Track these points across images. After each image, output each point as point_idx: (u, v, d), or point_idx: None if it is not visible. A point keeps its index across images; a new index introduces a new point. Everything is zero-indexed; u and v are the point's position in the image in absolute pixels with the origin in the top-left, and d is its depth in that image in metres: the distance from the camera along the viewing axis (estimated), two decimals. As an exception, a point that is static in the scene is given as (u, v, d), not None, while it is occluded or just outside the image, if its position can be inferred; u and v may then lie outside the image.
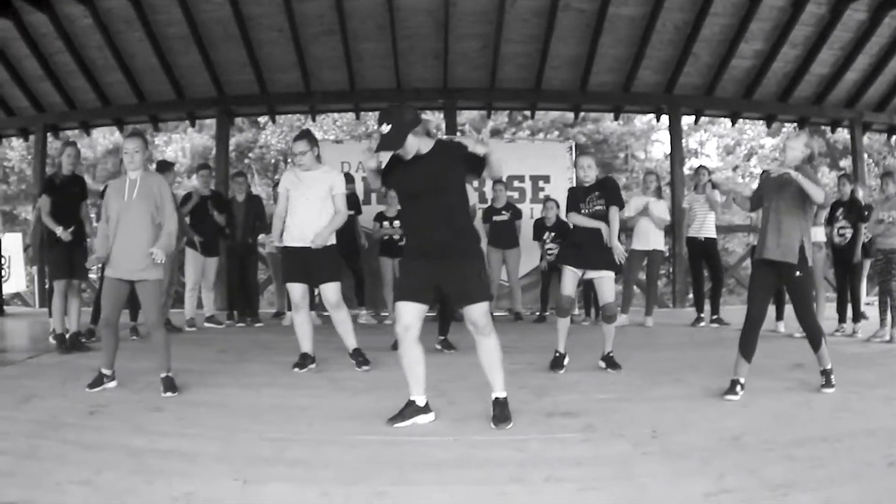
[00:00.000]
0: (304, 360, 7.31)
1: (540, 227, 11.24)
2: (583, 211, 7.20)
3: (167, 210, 6.37)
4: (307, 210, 7.11)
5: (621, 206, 7.38)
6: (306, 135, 7.38)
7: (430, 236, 5.08)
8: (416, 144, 5.04)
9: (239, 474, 4.06)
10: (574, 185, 7.44)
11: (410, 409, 5.20)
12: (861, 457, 4.29)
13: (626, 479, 3.99)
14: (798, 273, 5.95)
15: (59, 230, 8.16)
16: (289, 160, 7.29)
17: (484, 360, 5.19)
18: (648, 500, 3.70)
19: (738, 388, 5.88)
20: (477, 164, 5.11)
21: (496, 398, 5.19)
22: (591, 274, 7.26)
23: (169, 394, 6.09)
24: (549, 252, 10.82)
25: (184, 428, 5.08)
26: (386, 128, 4.93)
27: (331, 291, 7.19)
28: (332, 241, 7.21)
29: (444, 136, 5.53)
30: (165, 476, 4.01)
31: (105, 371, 6.32)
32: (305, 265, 7.14)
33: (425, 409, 5.24)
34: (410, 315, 5.13)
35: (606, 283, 7.23)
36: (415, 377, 5.23)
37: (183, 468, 4.17)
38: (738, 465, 4.16)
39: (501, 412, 5.13)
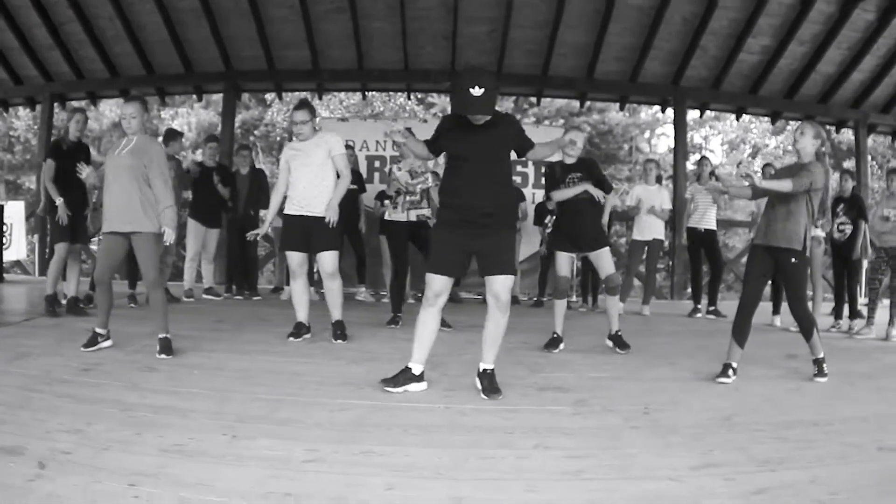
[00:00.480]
0: (299, 330, 7.31)
1: (542, 212, 11.21)
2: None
3: (159, 179, 6.29)
4: (307, 177, 7.11)
5: (611, 189, 7.40)
6: (306, 104, 7.36)
7: (476, 202, 5.06)
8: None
9: (229, 429, 4.09)
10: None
11: (405, 376, 5.23)
12: (851, 440, 4.31)
13: (614, 450, 4.01)
14: (794, 260, 5.96)
15: (59, 201, 8.17)
16: (294, 135, 7.26)
17: (489, 332, 5.24)
18: (635, 469, 3.71)
19: (731, 371, 5.91)
20: (524, 146, 5.27)
21: (485, 369, 5.23)
22: (585, 252, 7.34)
23: (164, 356, 6.09)
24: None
25: (176, 387, 5.10)
26: (478, 91, 4.81)
27: (328, 259, 7.18)
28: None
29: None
30: (155, 428, 4.04)
31: (100, 330, 6.32)
32: (305, 233, 7.14)
33: (419, 378, 5.27)
34: (440, 284, 5.18)
35: (604, 257, 7.21)
36: (422, 345, 5.27)
37: (173, 422, 4.20)
38: (726, 441, 4.19)
39: (491, 384, 5.17)
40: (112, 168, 6.26)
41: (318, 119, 7.69)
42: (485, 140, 5.06)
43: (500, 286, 5.13)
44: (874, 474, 3.74)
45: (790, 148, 19.95)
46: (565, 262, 7.26)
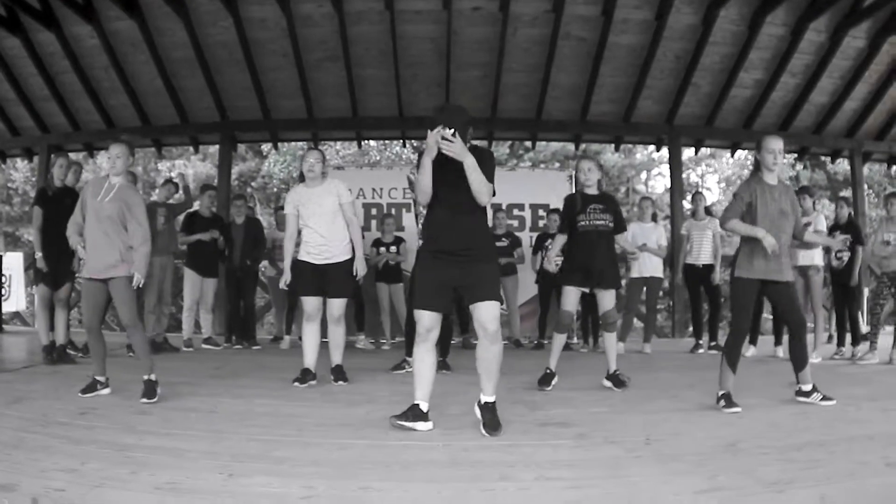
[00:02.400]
0: (305, 376, 7.18)
1: (542, 238, 11.14)
2: (581, 221, 7.04)
3: (133, 223, 6.31)
4: (323, 226, 7.14)
5: (624, 229, 7.39)
6: (318, 148, 7.40)
7: (453, 233, 5.06)
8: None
9: (224, 468, 4.03)
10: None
11: (414, 412, 5.12)
12: (858, 458, 4.25)
13: (616, 479, 3.93)
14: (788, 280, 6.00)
15: (38, 255, 8.29)
16: (305, 176, 7.24)
17: (484, 362, 5.13)
18: (639, 497, 3.64)
19: (733, 399, 5.84)
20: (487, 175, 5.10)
21: (485, 402, 5.13)
22: (596, 287, 7.19)
23: (145, 400, 5.97)
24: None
25: (172, 429, 5.05)
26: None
27: (337, 306, 7.22)
28: (348, 255, 7.24)
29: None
30: (150, 467, 3.98)
31: (98, 378, 6.27)
32: (321, 278, 7.16)
33: (425, 417, 5.15)
34: (430, 320, 5.12)
35: (607, 295, 7.13)
36: (424, 382, 5.16)
37: (168, 461, 4.13)
38: (731, 466, 4.11)
39: (492, 418, 5.07)
40: (93, 213, 6.25)
41: (328, 165, 7.69)
42: (454, 172, 5.01)
43: (485, 314, 5.04)
44: (884, 489, 3.70)
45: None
46: (573, 298, 7.14)
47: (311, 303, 7.24)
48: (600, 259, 7.04)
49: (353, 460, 4.32)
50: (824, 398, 6.01)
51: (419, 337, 5.17)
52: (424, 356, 5.19)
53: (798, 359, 6.15)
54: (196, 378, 7.47)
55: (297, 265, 7.30)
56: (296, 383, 7.11)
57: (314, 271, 7.16)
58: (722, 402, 5.85)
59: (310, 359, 7.25)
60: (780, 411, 5.81)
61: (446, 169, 5.02)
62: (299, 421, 5.42)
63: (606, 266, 7.09)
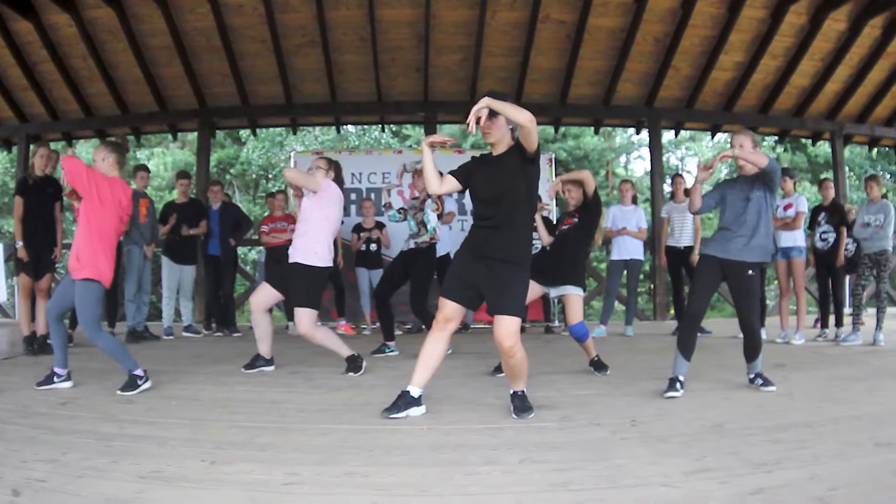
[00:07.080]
0: (255, 361, 7.10)
1: None
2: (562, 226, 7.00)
3: None
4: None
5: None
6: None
7: (483, 239, 4.95)
8: (503, 135, 4.93)
9: (207, 456, 3.97)
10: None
11: (405, 400, 5.03)
12: (846, 438, 4.25)
13: (603, 461, 3.88)
14: (751, 272, 5.83)
15: (19, 244, 8.22)
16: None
17: (508, 370, 5.07)
18: (626, 478, 3.59)
19: (678, 385, 5.72)
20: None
21: (514, 392, 5.07)
22: (556, 291, 7.00)
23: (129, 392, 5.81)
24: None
25: (154, 417, 4.98)
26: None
27: (303, 316, 6.75)
28: (311, 262, 6.79)
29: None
30: (132, 456, 3.92)
31: (58, 370, 6.07)
32: (285, 280, 6.93)
33: (418, 402, 5.07)
34: (451, 310, 5.01)
35: (574, 302, 6.89)
36: (426, 369, 5.06)
37: (151, 450, 4.08)
38: (719, 447, 4.09)
39: (522, 403, 5.02)
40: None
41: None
42: (496, 174, 4.91)
43: (501, 332, 4.83)
44: (873, 468, 3.67)
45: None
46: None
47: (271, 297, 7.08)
48: (561, 254, 6.91)
49: (337, 445, 4.27)
50: (765, 383, 5.93)
51: (437, 324, 5.06)
52: (436, 345, 5.07)
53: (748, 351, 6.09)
54: (177, 366, 7.41)
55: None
56: (244, 369, 7.04)
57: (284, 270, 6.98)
58: (666, 385, 5.78)
59: (264, 347, 7.10)
60: (764, 392, 5.81)
61: (491, 172, 4.94)
62: (282, 407, 5.38)
63: (568, 263, 6.91)
